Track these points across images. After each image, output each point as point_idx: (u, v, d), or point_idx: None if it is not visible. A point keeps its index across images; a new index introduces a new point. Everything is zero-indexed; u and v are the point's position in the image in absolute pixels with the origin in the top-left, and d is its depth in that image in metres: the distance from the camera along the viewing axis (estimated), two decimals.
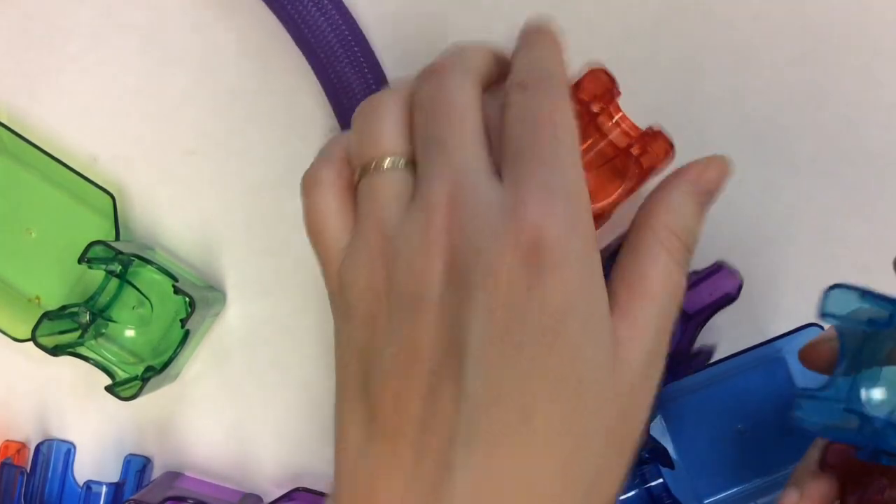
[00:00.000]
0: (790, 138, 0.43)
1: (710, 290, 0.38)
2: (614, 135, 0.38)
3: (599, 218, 0.35)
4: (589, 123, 0.38)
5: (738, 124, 0.43)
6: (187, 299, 0.38)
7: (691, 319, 0.39)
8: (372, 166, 0.27)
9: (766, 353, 0.41)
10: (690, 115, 0.43)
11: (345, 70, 0.40)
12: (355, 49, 0.40)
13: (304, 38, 0.40)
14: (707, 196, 0.31)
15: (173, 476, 0.41)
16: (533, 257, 0.23)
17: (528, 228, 0.23)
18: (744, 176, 0.43)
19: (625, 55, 0.43)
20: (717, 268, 0.37)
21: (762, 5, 0.43)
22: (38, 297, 0.42)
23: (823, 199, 0.43)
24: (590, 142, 0.38)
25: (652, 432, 0.39)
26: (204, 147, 0.43)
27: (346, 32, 0.40)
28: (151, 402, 0.42)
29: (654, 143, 0.36)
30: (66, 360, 0.40)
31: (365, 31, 0.41)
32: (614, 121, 0.37)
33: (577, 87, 0.35)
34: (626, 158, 0.37)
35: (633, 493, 0.41)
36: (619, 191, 0.37)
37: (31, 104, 0.43)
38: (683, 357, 0.37)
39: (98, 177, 0.41)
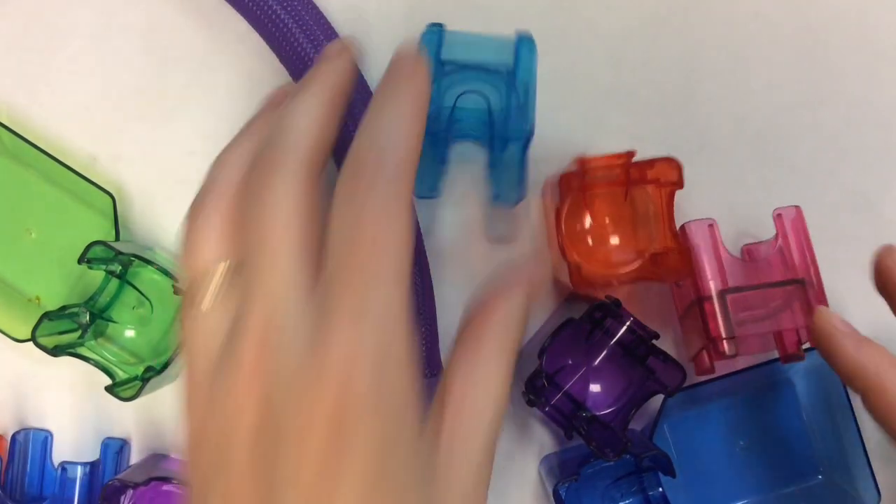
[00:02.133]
0: (790, 138, 0.43)
1: (653, 377, 0.38)
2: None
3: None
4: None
5: (737, 124, 0.43)
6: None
7: (627, 402, 0.39)
8: (193, 299, 0.25)
9: (773, 373, 0.40)
10: (690, 115, 0.43)
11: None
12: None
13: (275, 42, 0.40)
14: (535, 295, 0.29)
15: (159, 458, 0.41)
16: (338, 423, 0.22)
17: (333, 383, 0.22)
18: (744, 176, 0.43)
19: (625, 55, 0.43)
20: (665, 358, 0.38)
21: (762, 5, 0.43)
22: (38, 297, 0.42)
23: (823, 198, 0.43)
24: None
25: (655, 440, 0.39)
26: (204, 147, 0.43)
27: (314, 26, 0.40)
28: (151, 401, 0.42)
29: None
30: (65, 360, 0.40)
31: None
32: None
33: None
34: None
35: (630, 501, 0.41)
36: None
37: (31, 104, 0.43)
38: (616, 439, 0.37)
39: (98, 177, 0.41)
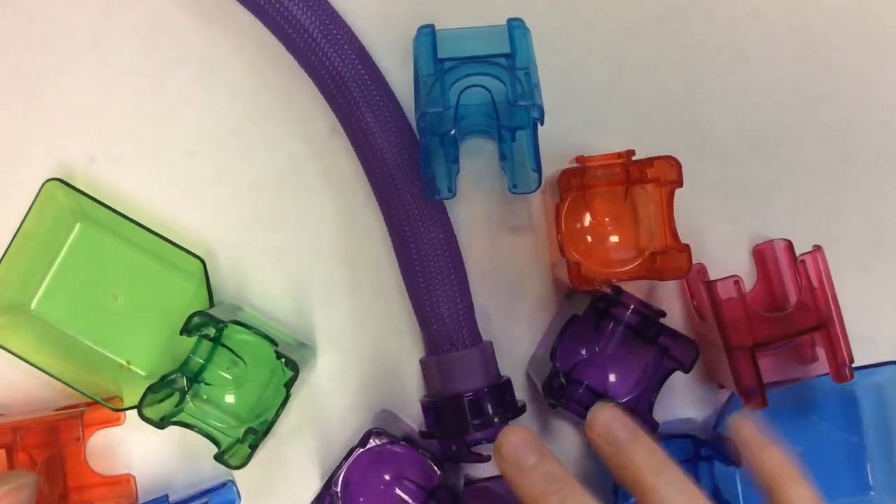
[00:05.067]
0: (790, 138, 0.43)
1: (668, 354, 0.38)
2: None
3: None
4: None
5: (738, 124, 0.43)
6: (285, 360, 0.37)
7: (647, 386, 0.39)
8: None
9: (836, 386, 0.40)
10: (691, 114, 0.43)
11: (333, 61, 0.40)
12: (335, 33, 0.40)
13: (286, 35, 0.40)
14: None
15: (392, 416, 0.41)
16: None
17: None
18: (744, 176, 0.43)
19: (625, 54, 0.43)
20: (676, 335, 0.38)
21: (762, 4, 0.43)
22: (128, 361, 0.42)
23: (823, 199, 0.43)
24: None
25: (720, 429, 0.39)
26: (203, 146, 0.43)
27: (333, 30, 0.40)
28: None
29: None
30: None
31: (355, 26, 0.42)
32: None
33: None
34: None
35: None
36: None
37: (30, 104, 0.43)
38: (644, 424, 0.37)
39: (185, 240, 0.41)
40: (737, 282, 0.38)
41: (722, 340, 0.38)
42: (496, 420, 0.38)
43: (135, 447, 0.42)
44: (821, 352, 0.39)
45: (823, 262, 0.39)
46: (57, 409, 0.41)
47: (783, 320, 0.38)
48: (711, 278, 0.38)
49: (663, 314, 0.38)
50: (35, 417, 0.40)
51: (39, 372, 0.39)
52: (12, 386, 0.42)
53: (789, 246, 0.40)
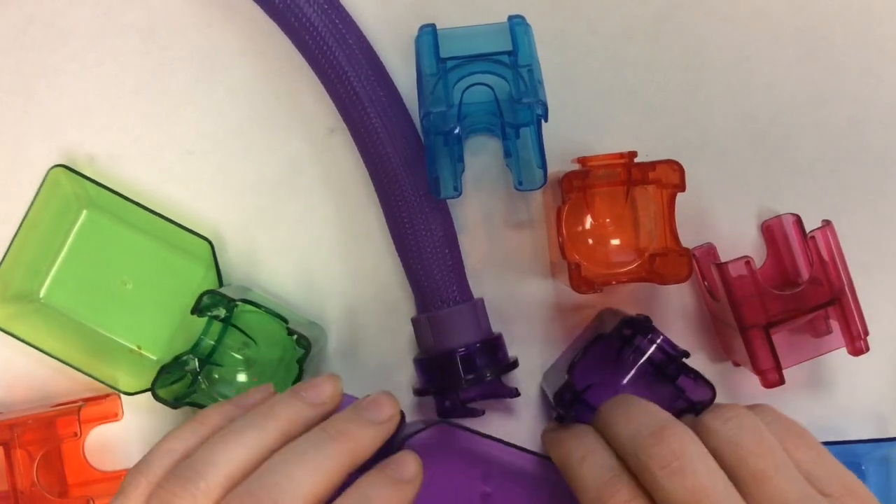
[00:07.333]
0: (791, 138, 0.43)
1: (682, 396, 0.37)
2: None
3: None
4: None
5: (739, 123, 0.43)
6: (297, 337, 0.37)
7: None
8: None
9: (843, 455, 0.39)
10: (692, 114, 0.43)
11: (341, 63, 0.40)
12: (349, 41, 0.40)
13: (296, 34, 0.40)
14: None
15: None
16: None
17: None
18: (744, 176, 0.43)
19: (626, 54, 0.43)
20: (696, 376, 0.37)
21: (764, 3, 0.43)
22: (138, 346, 0.42)
23: (823, 199, 0.43)
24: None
25: None
26: (203, 146, 0.43)
27: (342, 28, 0.40)
28: None
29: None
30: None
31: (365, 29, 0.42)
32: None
33: None
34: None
35: None
36: None
37: (27, 103, 0.43)
38: None
39: (190, 221, 0.41)
40: (748, 262, 0.38)
41: (735, 321, 0.38)
42: (488, 375, 0.38)
43: (133, 443, 0.42)
44: (835, 325, 0.39)
45: (833, 237, 0.39)
46: (54, 406, 0.41)
47: (796, 297, 0.38)
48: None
49: (687, 355, 0.37)
50: (32, 414, 0.40)
51: (37, 369, 0.39)
52: (10, 384, 0.42)
53: (798, 220, 0.40)
